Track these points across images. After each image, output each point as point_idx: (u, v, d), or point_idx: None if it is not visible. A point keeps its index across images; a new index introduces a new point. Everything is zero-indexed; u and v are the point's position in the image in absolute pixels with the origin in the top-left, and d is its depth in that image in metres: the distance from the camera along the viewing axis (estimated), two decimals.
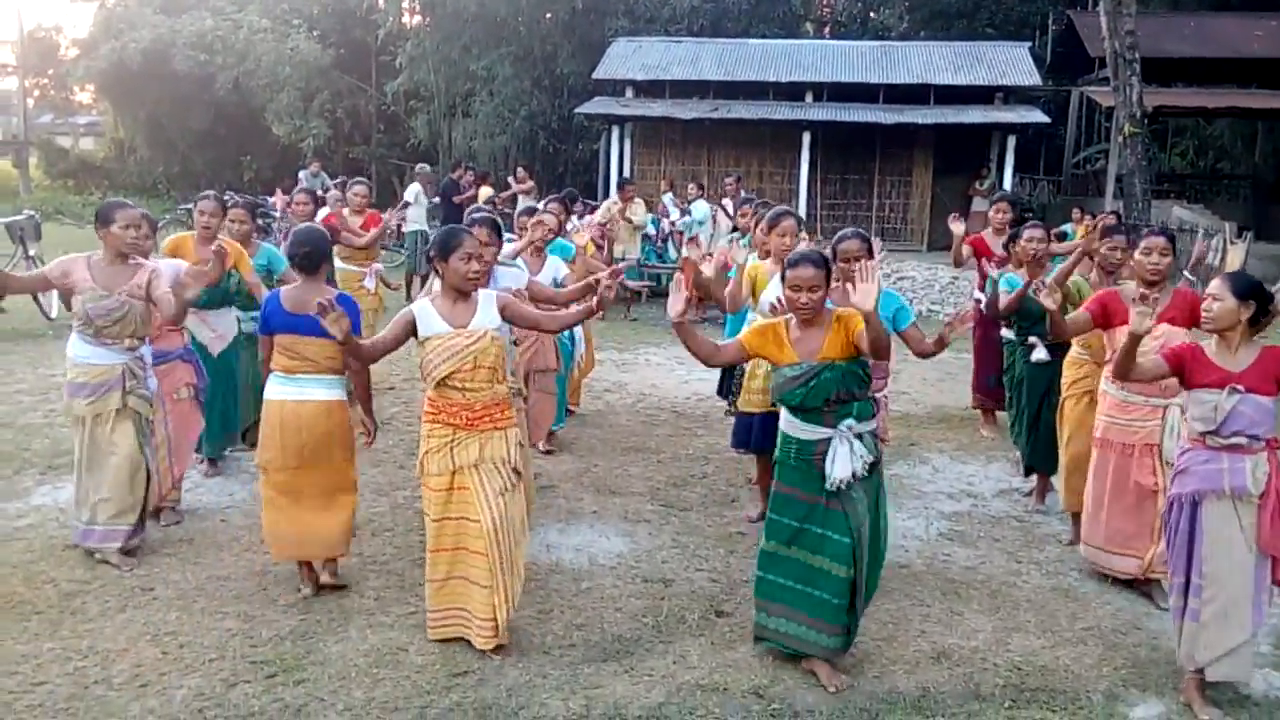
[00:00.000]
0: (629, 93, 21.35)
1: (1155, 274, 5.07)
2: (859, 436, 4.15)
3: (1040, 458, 6.43)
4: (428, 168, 15.91)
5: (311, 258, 4.87)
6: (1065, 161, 25.45)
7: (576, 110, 21.47)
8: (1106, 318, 5.16)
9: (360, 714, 3.93)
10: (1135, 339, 4.18)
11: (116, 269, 5.25)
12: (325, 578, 5.05)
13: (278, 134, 26.28)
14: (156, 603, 4.81)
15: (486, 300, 4.41)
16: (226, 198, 7.87)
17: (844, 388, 4.14)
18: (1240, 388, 4.03)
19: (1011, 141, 19.49)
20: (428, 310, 4.35)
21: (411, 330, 4.34)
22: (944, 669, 4.44)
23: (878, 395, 5.04)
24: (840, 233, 5.08)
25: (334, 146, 27.35)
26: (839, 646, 4.28)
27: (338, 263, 8.62)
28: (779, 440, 4.38)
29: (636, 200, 14.61)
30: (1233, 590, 4.07)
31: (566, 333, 7.28)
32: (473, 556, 4.35)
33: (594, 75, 21.59)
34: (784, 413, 4.32)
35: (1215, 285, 4.15)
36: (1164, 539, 4.40)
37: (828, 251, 4.60)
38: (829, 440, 4.14)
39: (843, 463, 4.10)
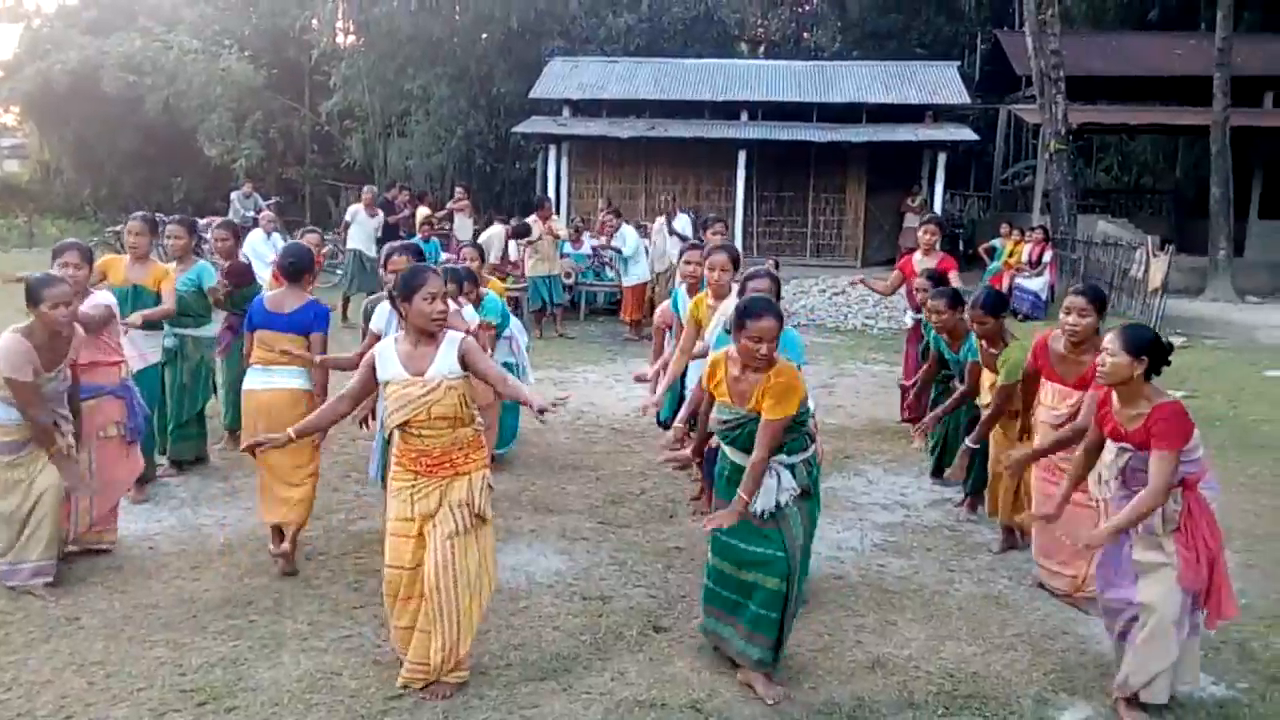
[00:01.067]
0: (566, 112, 21.41)
1: (1073, 334, 5.04)
2: (790, 468, 4.23)
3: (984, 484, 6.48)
4: (372, 188, 15.85)
5: (295, 266, 5.62)
6: (994, 178, 26.00)
7: (513, 129, 21.48)
8: (1036, 368, 5.33)
9: None
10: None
11: (53, 344, 4.99)
12: (286, 545, 5.43)
13: (209, 155, 25.91)
14: (82, 632, 4.70)
15: (449, 345, 4.16)
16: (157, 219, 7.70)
17: None
18: (1130, 446, 4.08)
19: (942, 158, 19.88)
20: (388, 351, 4.19)
21: (375, 372, 4.21)
22: (878, 678, 4.49)
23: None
24: (751, 269, 5.15)
25: (267, 167, 27.06)
26: (767, 660, 4.30)
27: None
28: (719, 456, 4.46)
29: (555, 216, 14.69)
30: (1163, 617, 4.05)
31: (514, 358, 7.29)
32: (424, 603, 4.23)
33: (530, 95, 21.63)
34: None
35: (1109, 340, 4.07)
36: (1098, 560, 4.39)
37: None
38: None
39: (767, 494, 4.18)
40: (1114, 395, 4.17)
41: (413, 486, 4.17)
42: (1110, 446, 4.21)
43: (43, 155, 31.83)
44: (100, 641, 4.61)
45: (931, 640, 4.87)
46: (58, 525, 5.15)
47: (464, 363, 4.16)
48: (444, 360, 4.13)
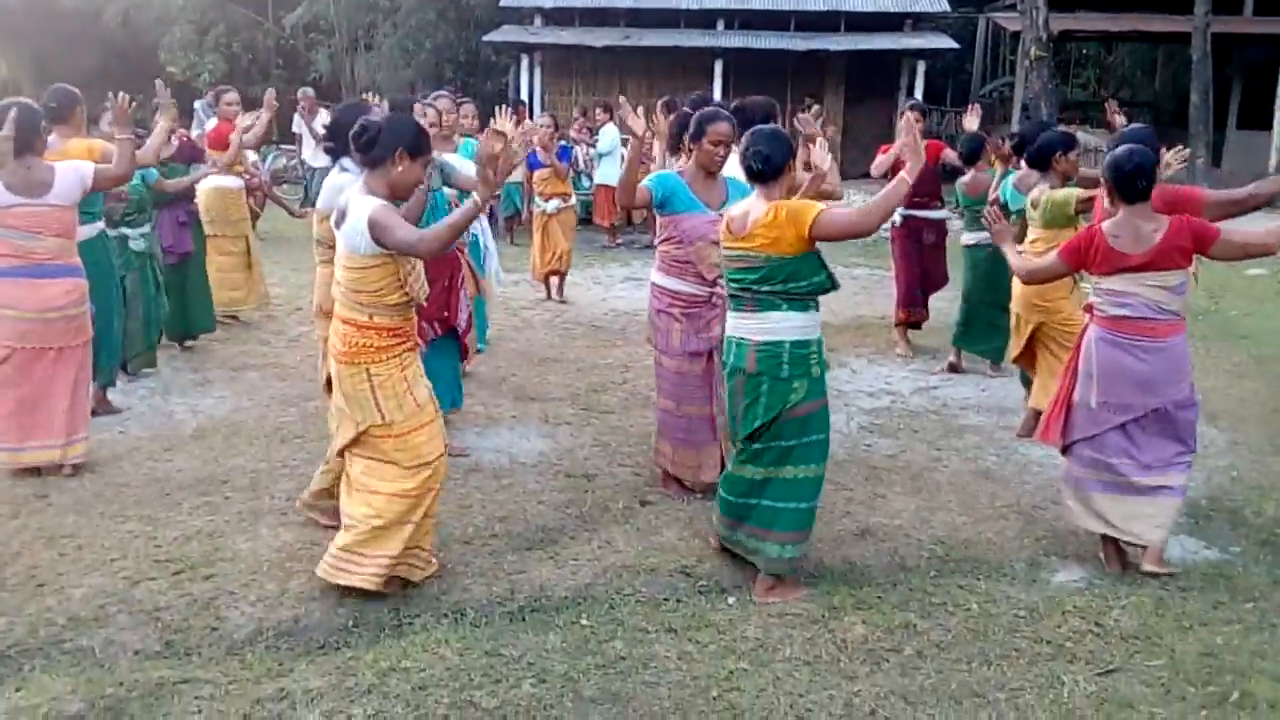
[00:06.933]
0: (537, 21, 20.89)
1: None
2: None
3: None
4: (307, 90, 15.53)
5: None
6: (972, 92, 25.66)
7: (484, 39, 20.96)
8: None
9: (274, 604, 3.78)
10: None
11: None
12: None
13: (172, 71, 25.18)
14: (51, 509, 4.57)
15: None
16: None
17: None
18: None
19: (921, 68, 19.59)
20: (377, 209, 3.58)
21: None
22: (869, 545, 4.43)
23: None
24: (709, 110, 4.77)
25: (231, 82, 26.16)
26: (799, 555, 4.03)
27: (214, 180, 7.79)
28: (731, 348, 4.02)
29: (528, 122, 14.37)
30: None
31: (476, 247, 6.98)
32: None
33: (500, 3, 21.07)
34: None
35: None
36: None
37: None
38: None
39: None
40: None
41: (416, 363, 3.83)
42: None
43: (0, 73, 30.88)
44: (70, 517, 4.48)
45: (921, 512, 4.81)
46: None
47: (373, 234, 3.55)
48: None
